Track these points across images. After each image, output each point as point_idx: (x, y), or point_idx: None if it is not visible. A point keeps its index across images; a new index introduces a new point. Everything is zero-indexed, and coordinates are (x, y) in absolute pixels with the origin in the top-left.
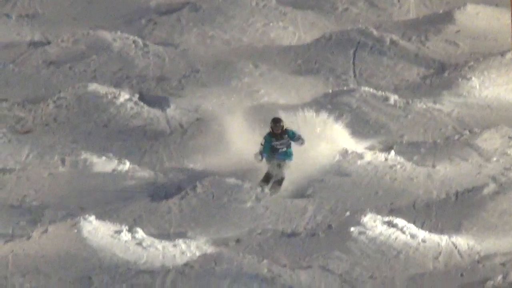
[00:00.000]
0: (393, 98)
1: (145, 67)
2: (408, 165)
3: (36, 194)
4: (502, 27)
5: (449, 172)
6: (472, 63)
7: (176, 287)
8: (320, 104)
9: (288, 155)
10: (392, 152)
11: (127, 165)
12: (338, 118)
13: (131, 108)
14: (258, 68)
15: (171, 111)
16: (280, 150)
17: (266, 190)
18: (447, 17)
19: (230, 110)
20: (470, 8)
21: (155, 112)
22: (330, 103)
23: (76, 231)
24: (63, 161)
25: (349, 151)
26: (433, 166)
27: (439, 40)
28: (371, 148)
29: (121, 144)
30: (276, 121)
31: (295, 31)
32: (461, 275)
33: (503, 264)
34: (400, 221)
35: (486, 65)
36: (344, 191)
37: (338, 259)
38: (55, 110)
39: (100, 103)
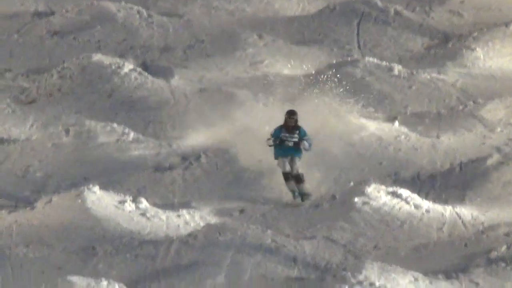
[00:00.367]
0: (397, 68)
1: (149, 37)
2: (412, 136)
3: (40, 165)
4: None
5: (453, 143)
6: (476, 33)
7: (180, 257)
8: (324, 74)
9: (297, 151)
10: (396, 123)
11: (131, 136)
12: (342, 88)
13: (135, 78)
14: (262, 39)
15: (175, 81)
16: (286, 143)
17: (296, 197)
18: None
19: (234, 80)
20: None
21: (159, 83)
22: (334, 74)
23: (80, 201)
24: (67, 132)
25: (353, 122)
26: (437, 137)
27: (443, 10)
28: (375, 118)
29: (125, 114)
30: (291, 113)
31: (299, 1)
32: (465, 245)
33: (507, 235)
34: (404, 192)
35: (490, 35)
36: (348, 161)
37: (342, 230)
38: (59, 80)
39: (104, 73)
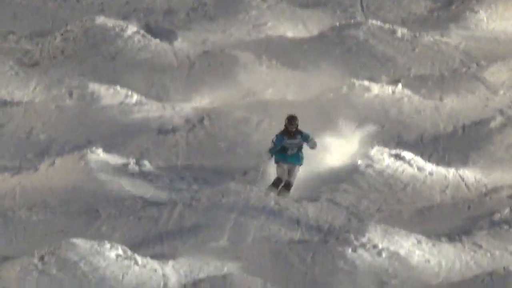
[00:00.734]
0: (400, 31)
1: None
2: (415, 98)
3: (43, 127)
4: None
5: (456, 105)
6: None
7: (183, 220)
8: (327, 37)
9: (298, 159)
10: (399, 85)
11: (134, 98)
12: (345, 51)
13: (139, 41)
14: (265, 1)
15: (178, 44)
16: (290, 152)
17: (273, 194)
18: None
19: (237, 43)
20: None
21: (162, 45)
22: (337, 36)
23: (83, 163)
24: (70, 94)
25: (356, 84)
26: (440, 99)
27: None
28: (378, 81)
29: (129, 77)
30: (291, 119)
31: None
32: (468, 208)
33: (510, 197)
34: (407, 154)
35: None
36: (351, 124)
37: (345, 192)
38: (62, 43)
39: (108, 36)
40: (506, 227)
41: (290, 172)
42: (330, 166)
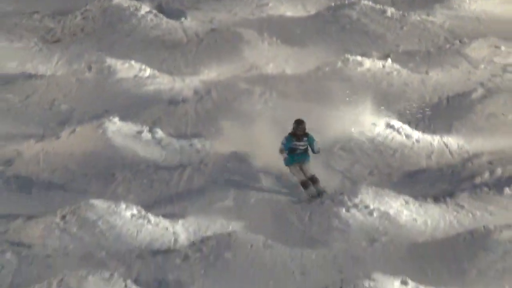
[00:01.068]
0: (390, 10)
1: None
2: (404, 72)
3: (64, 98)
4: None
5: (441, 78)
6: None
7: (192, 182)
8: (324, 16)
9: (306, 156)
10: (389, 60)
11: (147, 72)
12: (340, 29)
13: (151, 19)
14: None
15: (187, 22)
16: (298, 151)
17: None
18: None
19: (242, 21)
20: None
21: (173, 24)
22: (332, 16)
23: (101, 131)
24: (89, 68)
25: (350, 59)
26: (427, 73)
27: None
28: (370, 56)
29: (142, 52)
30: (299, 123)
31: None
32: (452, 172)
33: (490, 162)
34: (396, 123)
35: None
36: (345, 95)
37: (340, 158)
38: (82, 21)
39: (123, 15)
40: (486, 189)
41: (304, 169)
42: (326, 134)
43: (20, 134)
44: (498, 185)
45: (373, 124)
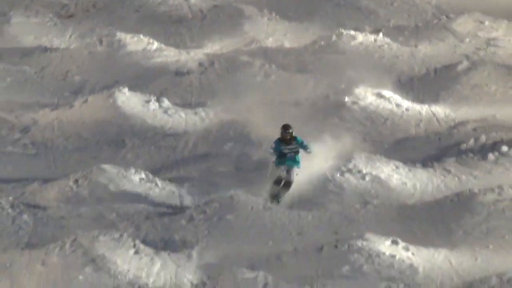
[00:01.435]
0: None
1: None
2: (394, 45)
3: (77, 70)
4: None
5: (429, 51)
6: None
7: (196, 148)
8: None
9: (296, 161)
10: (380, 34)
11: (155, 45)
12: (334, 5)
13: None
14: None
15: None
16: (288, 155)
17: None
18: None
19: None
20: None
21: (179, 0)
22: None
23: (111, 100)
24: (100, 42)
25: (344, 33)
26: (415, 46)
27: None
28: (362, 30)
29: (150, 27)
30: (286, 128)
31: None
32: (439, 139)
33: (474, 130)
34: (387, 93)
35: None
36: (339, 67)
37: (334, 125)
38: None
39: None
40: (471, 155)
41: (288, 173)
42: (321, 103)
43: (36, 103)
44: (482, 151)
45: (365, 93)
